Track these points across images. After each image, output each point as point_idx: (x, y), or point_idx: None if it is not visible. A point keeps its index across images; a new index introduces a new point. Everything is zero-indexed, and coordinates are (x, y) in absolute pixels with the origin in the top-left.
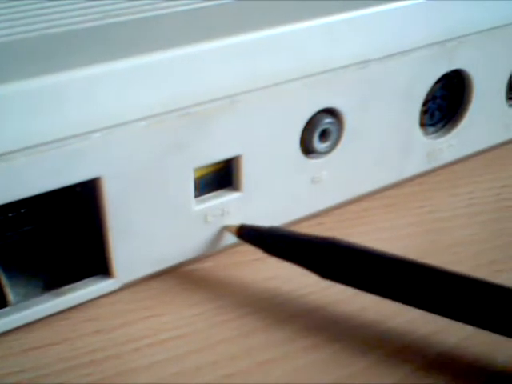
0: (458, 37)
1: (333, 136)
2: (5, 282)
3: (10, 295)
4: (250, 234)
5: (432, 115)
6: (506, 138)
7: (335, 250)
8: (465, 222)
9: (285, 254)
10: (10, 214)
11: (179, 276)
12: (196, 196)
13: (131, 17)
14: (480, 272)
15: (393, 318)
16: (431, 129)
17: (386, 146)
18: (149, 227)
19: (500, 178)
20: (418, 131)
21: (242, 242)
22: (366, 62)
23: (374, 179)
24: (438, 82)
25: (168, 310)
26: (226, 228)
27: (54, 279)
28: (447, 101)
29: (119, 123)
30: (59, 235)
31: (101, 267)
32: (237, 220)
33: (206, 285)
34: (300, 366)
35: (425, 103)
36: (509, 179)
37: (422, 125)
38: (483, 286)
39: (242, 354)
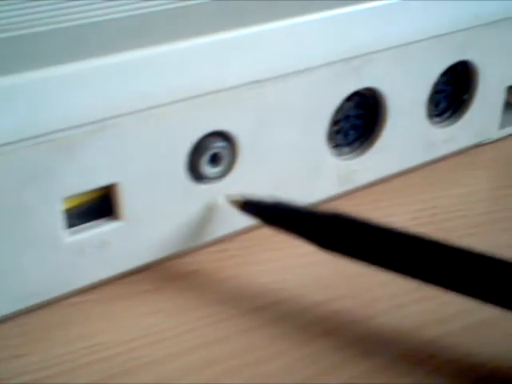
0: (366, 54)
1: (225, 160)
2: None
3: None
4: (253, 207)
5: (346, 135)
6: (430, 157)
7: (337, 221)
8: None
9: (289, 227)
10: None
11: (55, 311)
12: (70, 226)
13: None
14: (377, 305)
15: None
16: (346, 149)
17: (289, 169)
18: (15, 261)
19: (419, 201)
20: (326, 152)
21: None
22: (258, 83)
23: None
24: (349, 100)
25: (36, 349)
26: (227, 200)
27: None
28: (363, 119)
29: None
30: None
31: None
32: (117, 251)
33: (81, 320)
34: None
35: (337, 123)
36: (427, 202)
37: (336, 145)
38: (482, 259)
39: None
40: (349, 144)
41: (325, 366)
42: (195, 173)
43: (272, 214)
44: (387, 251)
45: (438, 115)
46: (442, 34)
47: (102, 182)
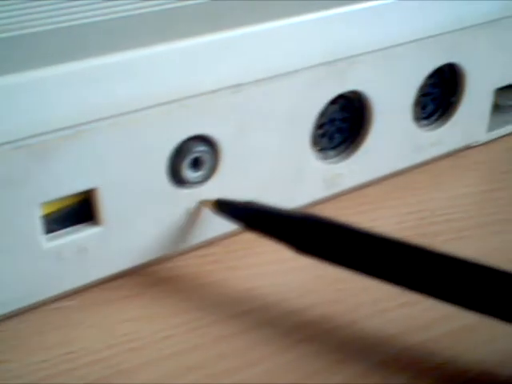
0: (351, 56)
1: (207, 164)
2: None
3: None
4: (227, 209)
5: (331, 138)
6: (417, 160)
7: (314, 224)
8: None
9: (262, 228)
10: None
11: (34, 318)
12: (49, 232)
13: None
14: (361, 311)
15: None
16: (331, 152)
17: (273, 173)
18: None
19: (406, 205)
20: (311, 156)
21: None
22: (238, 86)
23: None
24: (334, 103)
25: (15, 356)
26: (202, 203)
27: None
28: (348, 122)
29: None
30: None
31: None
32: (96, 256)
33: (60, 326)
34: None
35: (321, 126)
36: (414, 206)
37: (321, 149)
38: (463, 265)
39: None
40: (334, 147)
41: (308, 371)
42: (177, 177)
43: (247, 216)
44: (364, 255)
45: (426, 118)
46: (429, 37)
47: (79, 187)
